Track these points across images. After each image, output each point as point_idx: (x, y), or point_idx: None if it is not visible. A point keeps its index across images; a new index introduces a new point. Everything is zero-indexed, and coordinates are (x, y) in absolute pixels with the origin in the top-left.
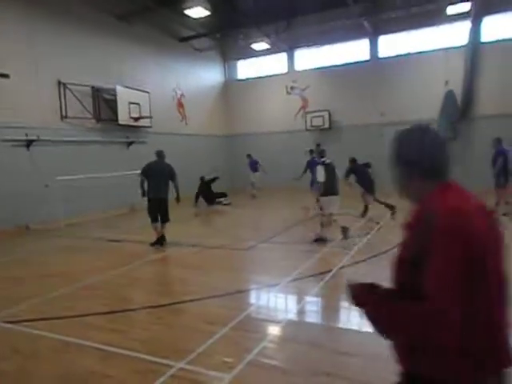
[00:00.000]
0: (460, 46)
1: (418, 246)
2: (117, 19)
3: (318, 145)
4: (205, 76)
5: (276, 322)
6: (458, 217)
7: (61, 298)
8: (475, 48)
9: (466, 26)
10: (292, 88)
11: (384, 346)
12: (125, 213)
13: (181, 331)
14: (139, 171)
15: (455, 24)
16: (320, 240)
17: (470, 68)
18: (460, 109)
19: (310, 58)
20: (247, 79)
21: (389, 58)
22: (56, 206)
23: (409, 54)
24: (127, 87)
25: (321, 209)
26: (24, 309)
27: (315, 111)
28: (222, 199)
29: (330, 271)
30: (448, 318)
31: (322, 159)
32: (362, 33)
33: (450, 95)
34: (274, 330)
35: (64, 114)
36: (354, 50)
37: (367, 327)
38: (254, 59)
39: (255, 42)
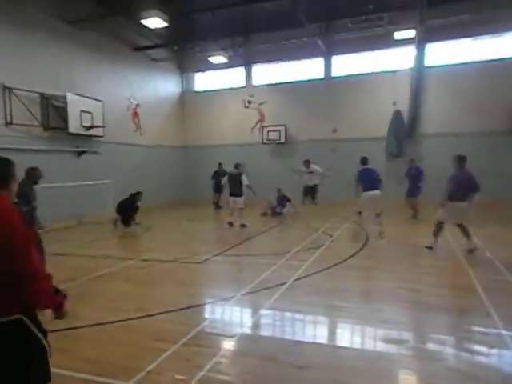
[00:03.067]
0: (407, 69)
1: None
2: (68, 24)
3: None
4: (161, 87)
5: (229, 336)
6: None
7: None
8: (419, 72)
9: (411, 50)
10: (249, 102)
11: (338, 358)
12: (72, 225)
13: (129, 349)
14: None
15: (403, 48)
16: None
17: (415, 90)
18: (407, 128)
19: (268, 73)
20: (205, 91)
21: (341, 77)
22: None
23: (360, 74)
24: (79, 95)
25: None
26: None
27: (272, 125)
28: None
29: (284, 284)
30: None
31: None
32: (316, 52)
33: (397, 115)
34: (227, 345)
35: (9, 120)
36: (310, 68)
37: (321, 339)
38: (211, 72)
39: (212, 55)
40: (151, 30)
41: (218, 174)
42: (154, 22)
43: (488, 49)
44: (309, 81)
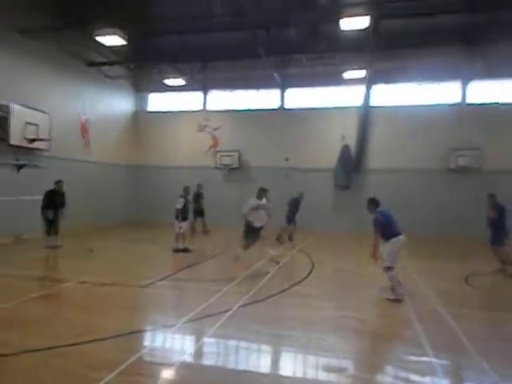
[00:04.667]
0: (355, 107)
1: None
2: (18, 33)
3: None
4: (115, 104)
5: (168, 364)
6: None
7: None
8: (366, 110)
9: (360, 89)
10: (205, 126)
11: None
12: (7, 243)
13: (59, 379)
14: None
15: (353, 86)
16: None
17: (362, 127)
18: (354, 161)
19: (224, 99)
20: (159, 112)
21: (295, 109)
22: None
23: (312, 108)
24: (24, 106)
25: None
26: None
27: (226, 150)
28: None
29: (229, 311)
30: None
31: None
32: (272, 83)
33: (345, 149)
34: (165, 374)
35: None
36: (266, 98)
37: (264, 368)
38: (167, 93)
39: (169, 77)
40: (108, 47)
41: (198, 197)
42: (112, 40)
43: (429, 94)
44: (264, 110)
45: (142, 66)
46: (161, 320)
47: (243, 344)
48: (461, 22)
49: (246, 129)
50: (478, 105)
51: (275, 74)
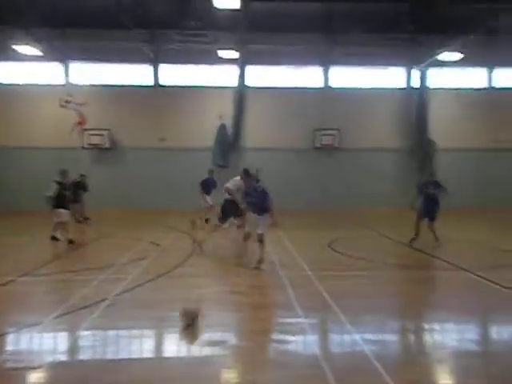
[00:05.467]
0: (231, 87)
1: None
2: None
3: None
4: None
5: (35, 367)
6: None
7: None
8: (241, 90)
9: (235, 70)
10: (67, 101)
11: (163, 369)
12: None
13: None
14: None
15: (229, 66)
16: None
17: (238, 106)
18: (231, 140)
19: (90, 73)
20: (12, 85)
21: (170, 86)
22: None
23: (188, 86)
24: None
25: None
26: None
27: (94, 129)
28: None
29: (105, 300)
30: None
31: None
32: (143, 58)
33: (222, 128)
34: (32, 378)
35: None
36: (136, 73)
37: (146, 353)
38: (21, 63)
39: (20, 44)
40: None
41: (79, 187)
42: None
43: (298, 78)
44: (137, 86)
45: None
46: (25, 320)
47: (123, 332)
48: (323, 10)
49: (117, 106)
50: (339, 89)
51: (144, 48)
